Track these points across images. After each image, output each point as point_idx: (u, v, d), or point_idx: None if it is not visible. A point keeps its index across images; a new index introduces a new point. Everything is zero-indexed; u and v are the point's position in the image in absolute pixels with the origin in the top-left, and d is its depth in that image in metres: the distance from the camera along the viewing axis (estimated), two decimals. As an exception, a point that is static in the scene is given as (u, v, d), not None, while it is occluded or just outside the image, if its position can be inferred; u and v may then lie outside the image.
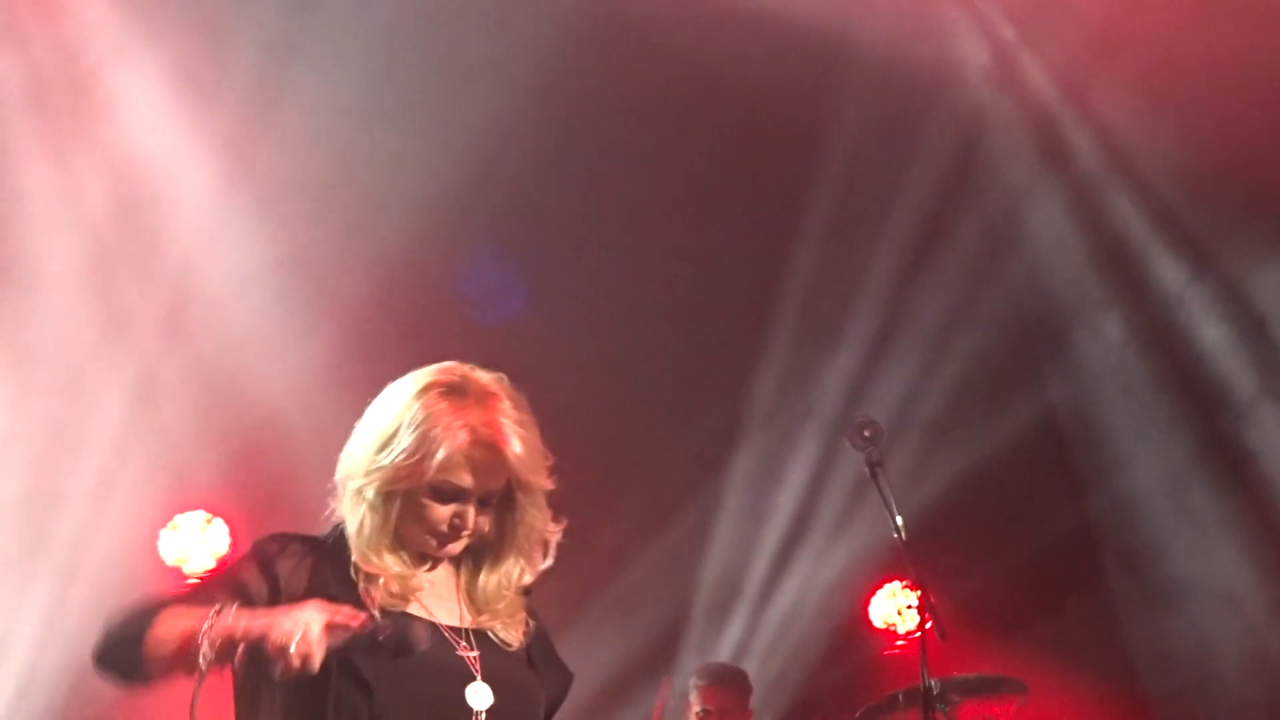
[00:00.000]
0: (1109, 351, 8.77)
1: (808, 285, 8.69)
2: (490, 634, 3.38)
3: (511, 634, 3.39)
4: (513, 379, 3.40)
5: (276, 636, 2.90)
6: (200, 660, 2.93)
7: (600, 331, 8.43)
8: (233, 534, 7.91)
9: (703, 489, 8.78)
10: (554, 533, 3.42)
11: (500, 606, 3.40)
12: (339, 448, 5.44)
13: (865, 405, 8.13)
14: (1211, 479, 8.57)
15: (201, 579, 4.05)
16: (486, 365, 3.29)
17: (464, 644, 3.35)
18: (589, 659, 7.21)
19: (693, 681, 7.40)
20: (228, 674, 3.09)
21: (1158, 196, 8.35)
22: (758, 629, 8.59)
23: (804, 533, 8.66)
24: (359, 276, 8.05)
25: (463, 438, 3.20)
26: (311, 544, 3.38)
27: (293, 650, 2.89)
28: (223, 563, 7.77)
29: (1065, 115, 8.53)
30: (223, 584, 3.23)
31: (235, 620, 2.96)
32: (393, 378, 3.46)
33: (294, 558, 3.31)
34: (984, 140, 8.64)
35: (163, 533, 7.84)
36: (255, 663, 3.00)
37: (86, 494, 7.68)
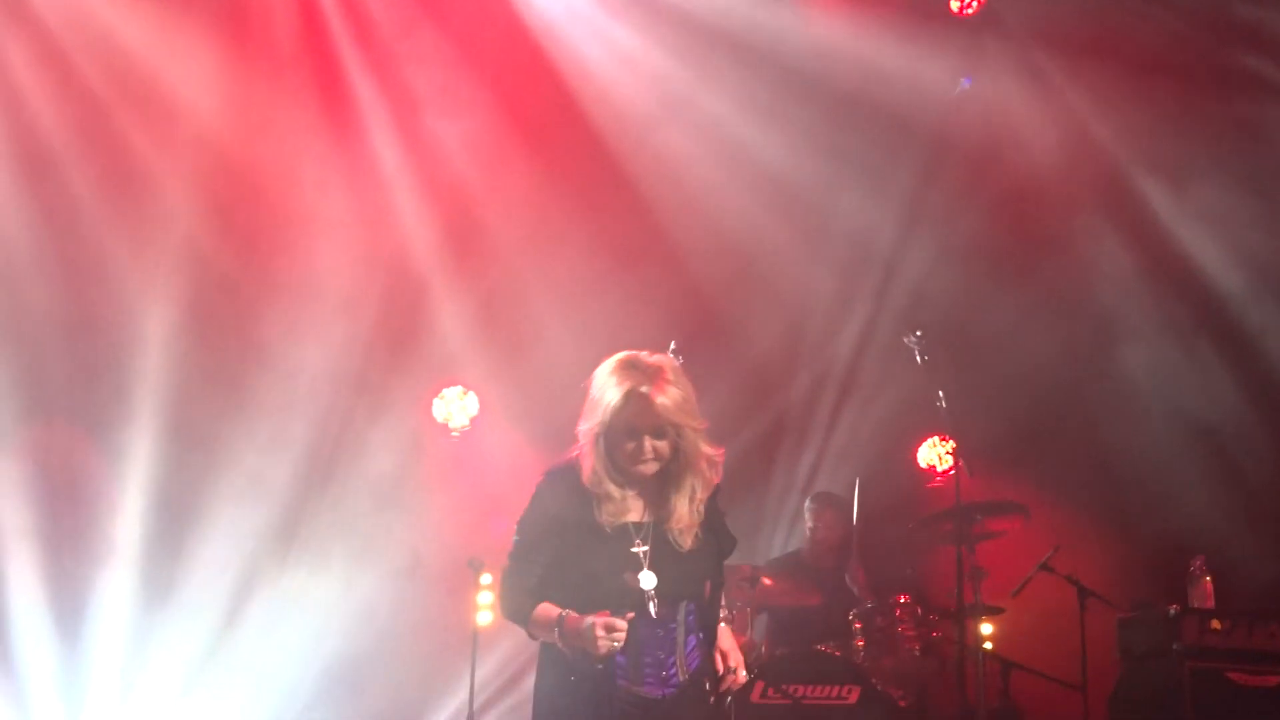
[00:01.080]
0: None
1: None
2: (667, 534, 4.53)
3: (684, 538, 4.55)
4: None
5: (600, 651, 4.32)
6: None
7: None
8: (480, 400, 10.03)
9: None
10: (716, 455, 4.62)
11: (679, 514, 4.55)
12: (558, 339, 7.79)
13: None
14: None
15: (527, 528, 4.69)
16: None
17: (639, 540, 4.52)
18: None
19: (807, 505, 9.43)
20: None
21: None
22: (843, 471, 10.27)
23: (873, 400, 10.42)
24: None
25: (627, 393, 4.46)
26: (563, 477, 4.59)
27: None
28: (474, 422, 9.99)
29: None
30: (540, 534, 4.56)
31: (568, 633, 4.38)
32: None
33: (559, 496, 4.56)
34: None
35: (434, 400, 10.05)
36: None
37: (381, 370, 9.70)
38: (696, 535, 4.59)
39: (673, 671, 4.54)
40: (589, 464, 4.55)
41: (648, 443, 4.49)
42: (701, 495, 4.61)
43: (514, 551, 4.66)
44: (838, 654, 8.23)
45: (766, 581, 8.65)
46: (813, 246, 10.34)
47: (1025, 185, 10.09)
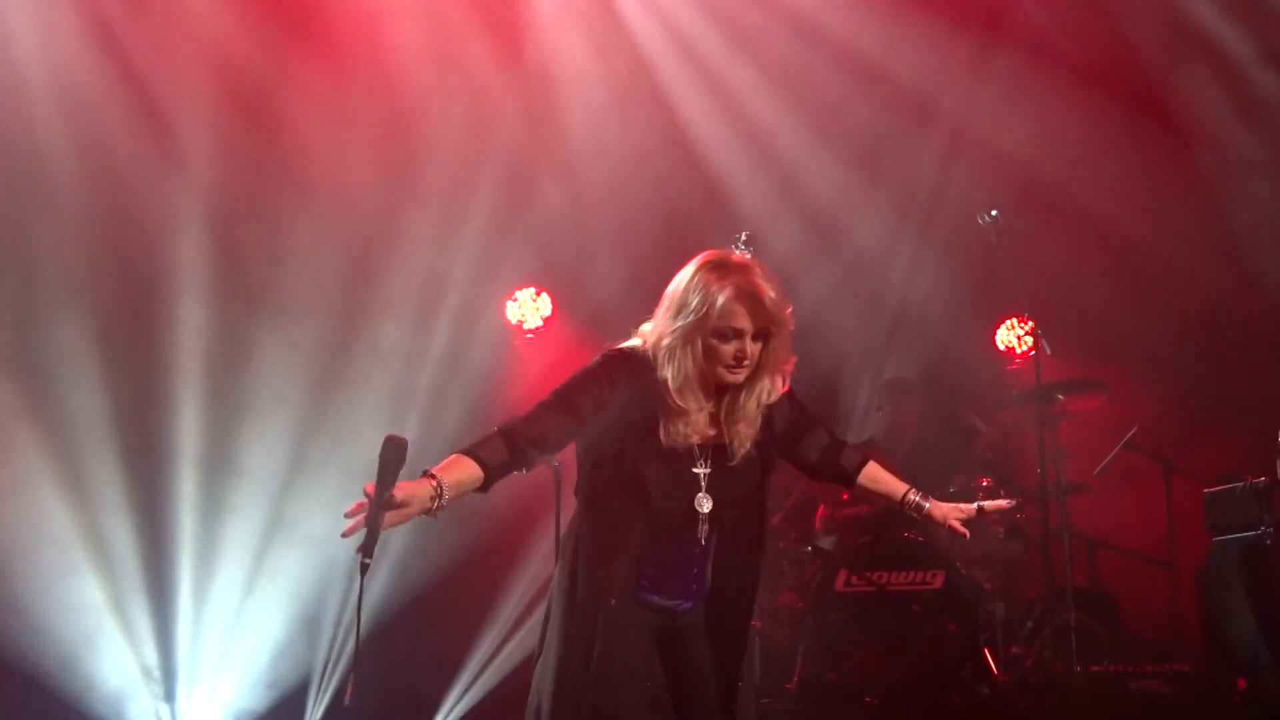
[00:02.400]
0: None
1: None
2: (725, 449, 4.35)
3: (744, 445, 4.36)
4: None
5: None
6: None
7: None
8: (553, 301, 10.11)
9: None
10: (791, 364, 4.43)
11: (747, 420, 4.36)
12: (626, 242, 7.70)
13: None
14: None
15: (561, 395, 4.36)
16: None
17: (700, 461, 4.35)
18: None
19: (881, 390, 9.46)
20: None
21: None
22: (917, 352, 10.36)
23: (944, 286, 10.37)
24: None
25: (730, 292, 4.25)
26: (633, 368, 4.34)
27: None
28: (547, 322, 10.06)
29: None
30: (592, 400, 4.26)
31: None
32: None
33: (629, 385, 4.31)
34: None
35: (508, 303, 10.14)
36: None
37: (468, 276, 9.69)
38: (752, 444, 4.41)
39: (702, 584, 4.45)
40: (676, 372, 4.31)
41: (749, 344, 4.31)
42: (767, 400, 4.43)
43: (540, 404, 4.32)
44: (921, 539, 8.25)
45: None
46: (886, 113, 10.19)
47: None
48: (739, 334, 4.30)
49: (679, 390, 4.32)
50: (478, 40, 9.67)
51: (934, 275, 10.45)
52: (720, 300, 4.27)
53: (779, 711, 7.87)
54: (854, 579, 8.01)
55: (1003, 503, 4.82)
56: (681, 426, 4.33)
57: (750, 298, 4.28)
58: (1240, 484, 7.95)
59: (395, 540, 8.98)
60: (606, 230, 9.93)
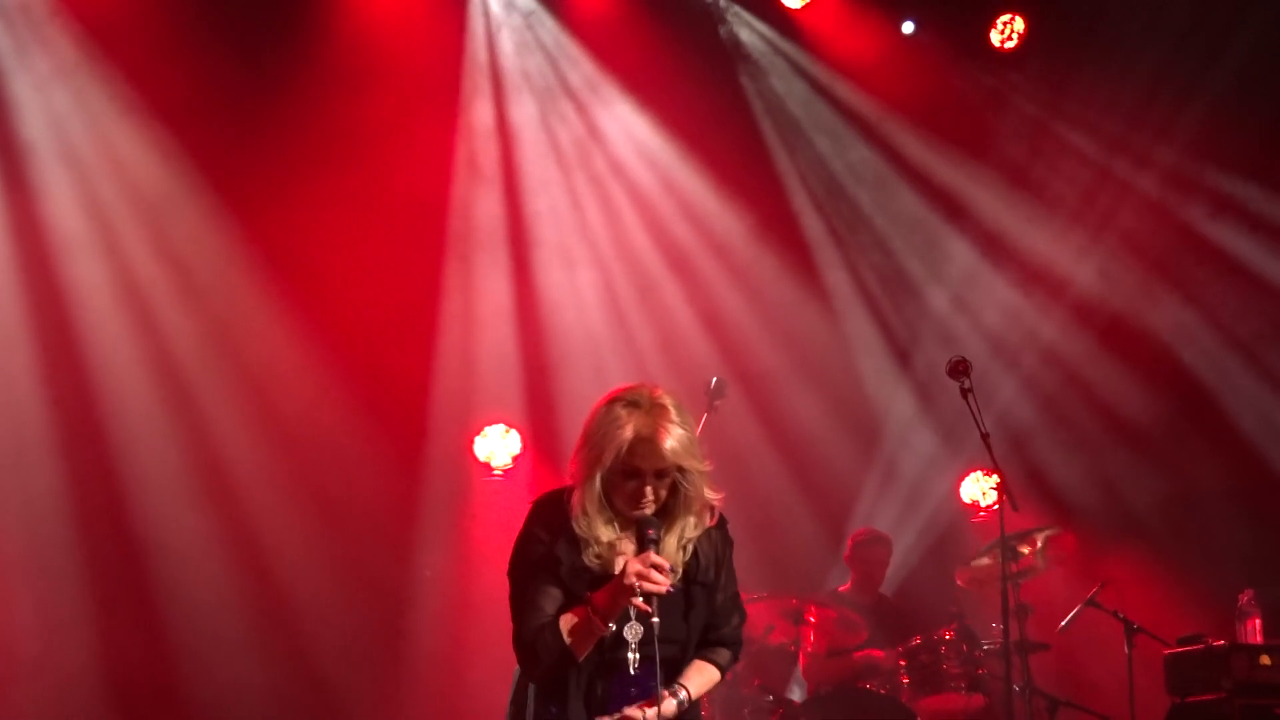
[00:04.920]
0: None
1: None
2: None
3: (674, 576, 4.31)
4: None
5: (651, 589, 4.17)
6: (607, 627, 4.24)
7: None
8: (523, 439, 10.22)
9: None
10: (716, 499, 4.44)
11: (666, 554, 4.32)
12: (603, 379, 7.80)
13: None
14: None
15: (523, 571, 4.44)
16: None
17: None
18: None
19: (853, 544, 9.48)
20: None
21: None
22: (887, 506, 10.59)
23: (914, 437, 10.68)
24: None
25: (629, 433, 4.29)
26: (553, 510, 4.39)
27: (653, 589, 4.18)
28: (516, 460, 10.16)
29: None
30: (545, 571, 4.32)
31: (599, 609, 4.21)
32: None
33: (551, 530, 4.37)
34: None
35: (476, 439, 10.23)
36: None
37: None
38: (677, 581, 4.38)
39: None
40: (580, 503, 4.38)
41: (649, 485, 4.35)
42: (690, 536, 4.45)
43: (520, 598, 4.41)
44: (883, 692, 8.26)
45: (810, 616, 8.72)
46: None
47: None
48: (637, 474, 4.34)
49: (579, 521, 4.38)
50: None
51: (908, 421, 10.68)
52: (620, 442, 4.31)
53: None
54: None
55: None
56: (595, 549, 4.38)
57: (650, 441, 4.30)
58: (1201, 646, 8.02)
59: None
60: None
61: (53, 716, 8.87)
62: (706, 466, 4.40)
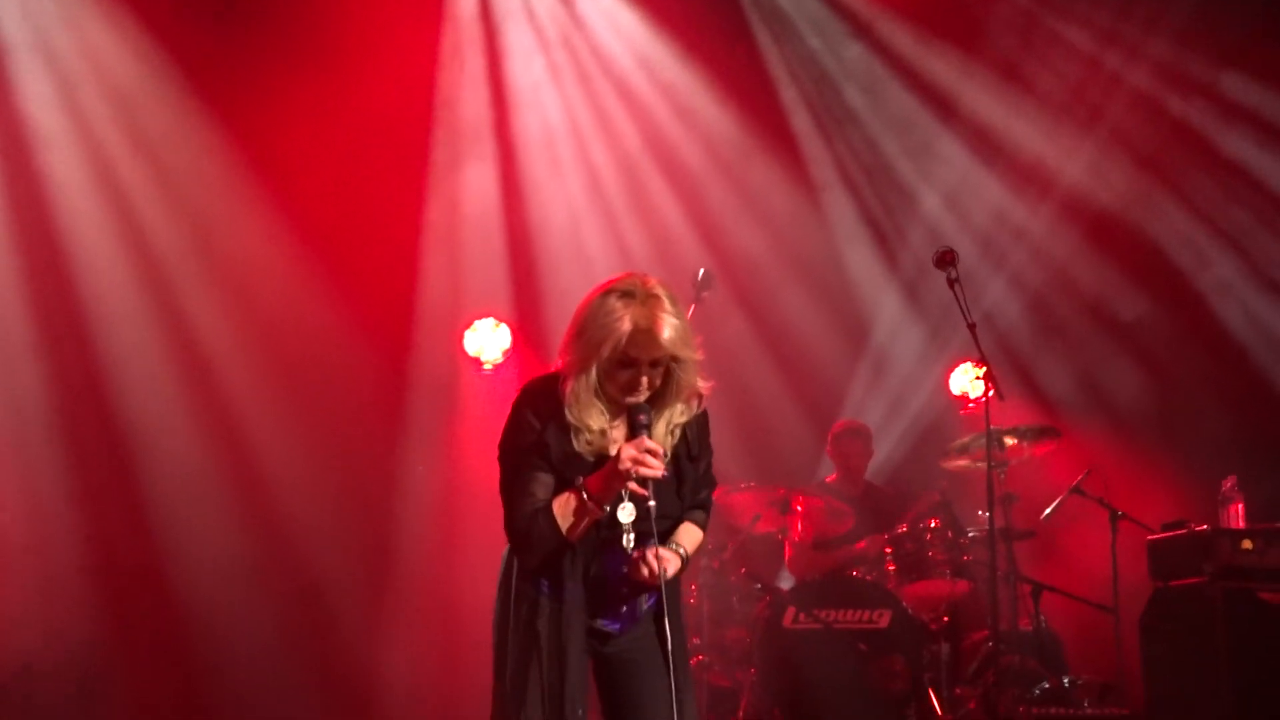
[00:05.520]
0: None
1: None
2: None
3: (664, 460, 4.40)
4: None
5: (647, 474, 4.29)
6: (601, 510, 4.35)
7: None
8: (513, 333, 10.27)
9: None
10: (705, 389, 4.55)
11: (655, 439, 4.42)
12: (590, 273, 7.84)
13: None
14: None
15: (514, 458, 4.52)
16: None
17: None
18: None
19: (836, 435, 9.67)
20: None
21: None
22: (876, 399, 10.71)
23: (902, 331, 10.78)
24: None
25: (627, 324, 4.35)
26: (544, 397, 4.47)
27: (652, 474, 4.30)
28: (506, 355, 10.21)
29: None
30: (536, 456, 4.40)
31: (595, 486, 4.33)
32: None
33: (541, 416, 4.45)
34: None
35: (466, 333, 10.27)
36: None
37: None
38: (667, 460, 4.47)
39: (634, 605, 4.56)
40: (573, 391, 4.45)
41: (645, 374, 4.42)
42: (678, 422, 4.56)
43: (512, 483, 4.50)
44: (869, 579, 8.40)
45: (798, 505, 8.83)
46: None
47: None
48: (633, 363, 4.40)
49: (572, 410, 4.46)
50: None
51: (896, 316, 10.76)
52: (616, 331, 4.37)
53: (724, 748, 7.90)
54: (801, 616, 8.11)
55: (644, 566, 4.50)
56: (586, 436, 4.46)
57: (646, 332, 4.37)
58: (1185, 532, 8.10)
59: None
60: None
61: (42, 602, 9.02)
62: (699, 356, 4.46)
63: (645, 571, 4.44)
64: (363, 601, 9.68)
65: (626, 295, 4.41)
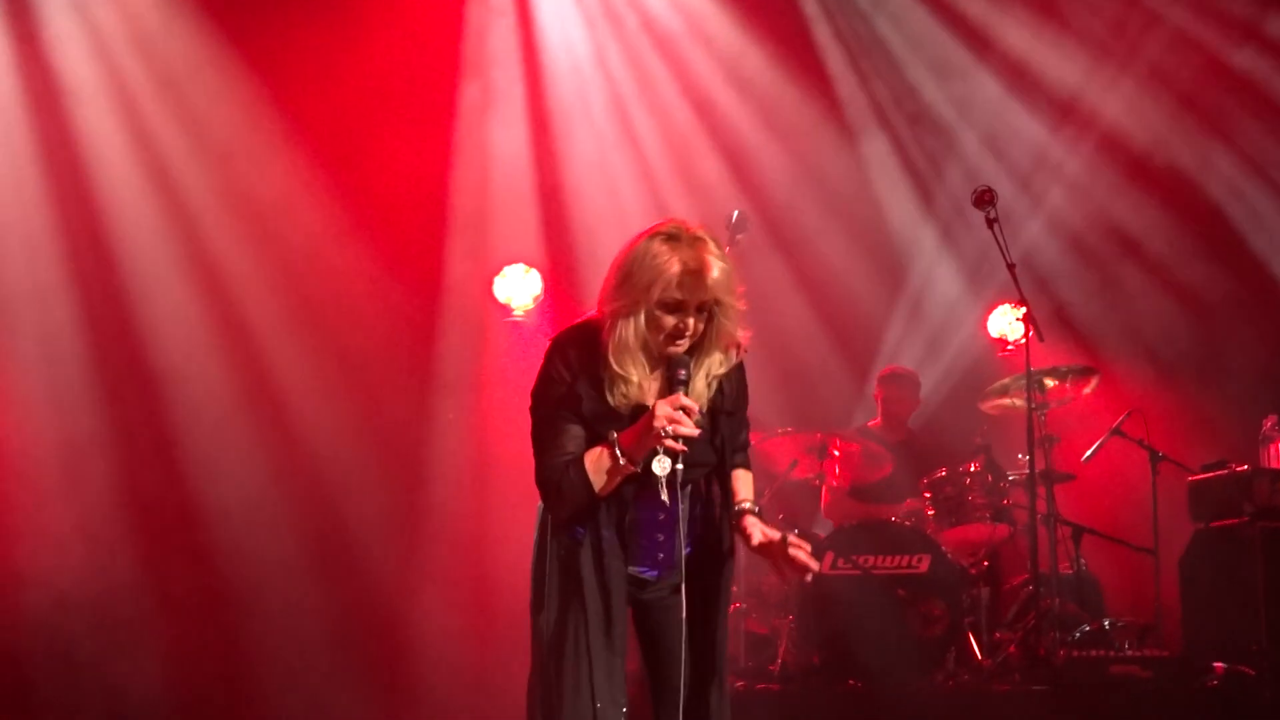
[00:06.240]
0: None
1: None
2: None
3: (699, 416, 4.41)
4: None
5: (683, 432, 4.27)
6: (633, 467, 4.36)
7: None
8: (544, 280, 10.25)
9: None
10: (744, 337, 4.54)
11: (695, 393, 4.44)
12: (622, 218, 7.86)
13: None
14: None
15: (545, 409, 4.51)
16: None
17: None
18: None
19: (877, 381, 9.76)
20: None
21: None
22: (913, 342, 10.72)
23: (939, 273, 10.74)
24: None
25: (676, 266, 4.35)
26: (577, 348, 4.47)
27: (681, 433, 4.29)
28: (537, 302, 10.18)
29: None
30: (567, 409, 4.41)
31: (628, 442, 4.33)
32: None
33: (573, 369, 4.44)
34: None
35: (496, 279, 10.24)
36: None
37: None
38: (703, 412, 4.49)
39: (670, 552, 4.55)
40: (620, 339, 4.44)
41: (691, 318, 4.42)
42: (716, 373, 4.57)
43: (543, 435, 4.51)
44: (908, 524, 8.42)
45: (835, 450, 8.83)
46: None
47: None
48: (681, 307, 4.40)
49: (617, 358, 4.44)
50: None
51: (933, 257, 10.72)
52: (665, 273, 4.36)
53: (762, 693, 7.98)
54: (840, 562, 8.11)
55: (803, 556, 4.49)
56: (622, 388, 4.46)
57: (695, 274, 4.37)
58: (1224, 472, 8.13)
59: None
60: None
61: (78, 539, 9.19)
62: (742, 303, 4.48)
63: (803, 564, 4.44)
64: (394, 549, 9.73)
65: (671, 238, 4.41)
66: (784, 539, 4.51)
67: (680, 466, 4.38)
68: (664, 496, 4.42)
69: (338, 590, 9.59)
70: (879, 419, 9.69)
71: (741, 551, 7.97)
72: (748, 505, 4.66)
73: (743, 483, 4.76)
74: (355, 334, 9.84)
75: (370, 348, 9.87)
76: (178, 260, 9.65)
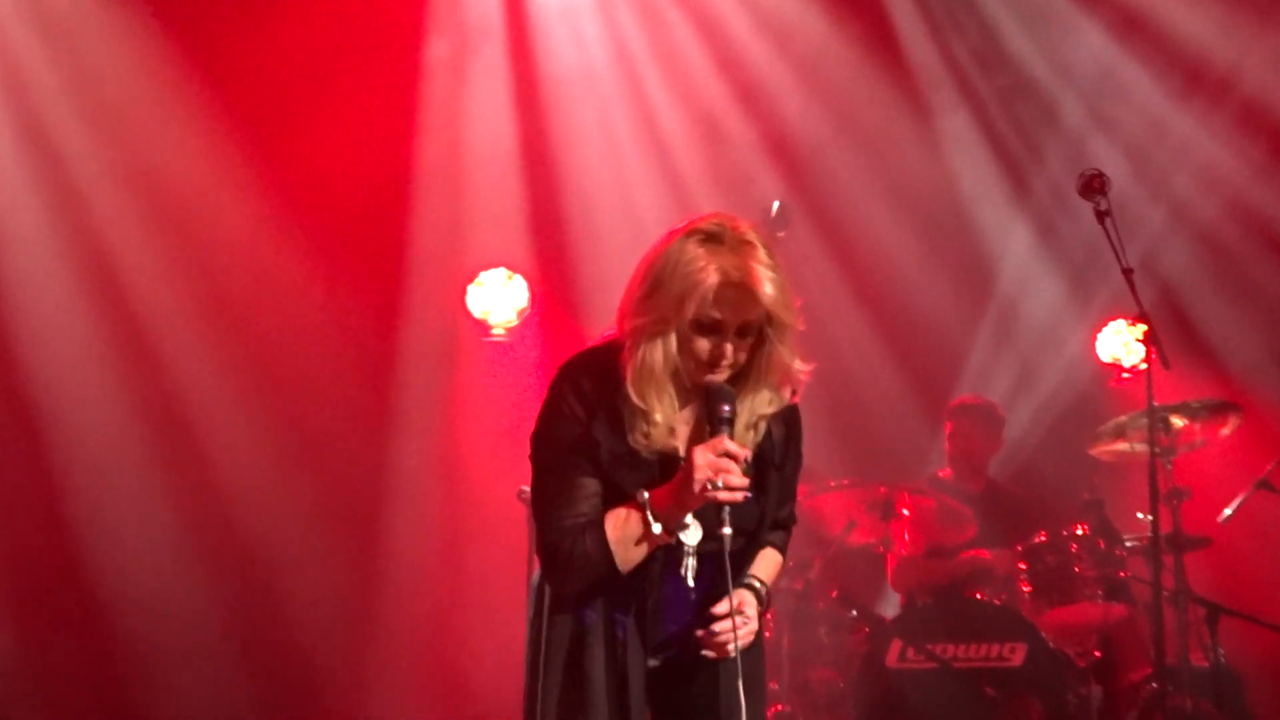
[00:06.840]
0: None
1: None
2: None
3: (745, 466, 4.27)
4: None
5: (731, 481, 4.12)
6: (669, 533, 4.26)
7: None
8: (531, 290, 10.11)
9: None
10: (802, 371, 4.39)
11: (740, 436, 4.33)
12: (630, 211, 7.76)
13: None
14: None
15: (552, 456, 4.43)
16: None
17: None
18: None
19: (946, 412, 9.64)
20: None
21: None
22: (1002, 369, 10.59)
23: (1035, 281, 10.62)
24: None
25: (716, 275, 4.21)
26: (590, 378, 4.36)
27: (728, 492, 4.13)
28: (522, 316, 9.98)
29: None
30: (581, 456, 4.30)
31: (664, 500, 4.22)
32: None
33: (587, 403, 4.33)
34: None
35: (469, 288, 10.12)
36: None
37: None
38: (747, 461, 4.29)
39: (691, 638, 4.39)
40: (645, 365, 4.30)
41: (730, 343, 4.27)
42: (763, 413, 4.41)
43: (548, 489, 4.38)
44: (997, 602, 8.39)
45: (904, 509, 8.74)
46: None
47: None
48: (719, 328, 4.26)
49: (637, 387, 4.31)
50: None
51: (1028, 260, 10.72)
52: (701, 285, 4.22)
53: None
54: (910, 651, 8.12)
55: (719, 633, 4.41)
56: (644, 427, 4.32)
57: (739, 287, 4.22)
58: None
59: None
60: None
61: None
62: (799, 324, 4.32)
63: (719, 644, 4.36)
64: (340, 641, 9.70)
65: (711, 239, 4.27)
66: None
67: (729, 531, 4.21)
68: (689, 575, 4.35)
69: (269, 695, 9.49)
70: (950, 467, 9.60)
71: (786, 640, 7.96)
72: (756, 584, 4.55)
73: (762, 558, 4.64)
74: (291, 356, 9.78)
75: (310, 375, 9.80)
76: (60, 249, 9.58)
